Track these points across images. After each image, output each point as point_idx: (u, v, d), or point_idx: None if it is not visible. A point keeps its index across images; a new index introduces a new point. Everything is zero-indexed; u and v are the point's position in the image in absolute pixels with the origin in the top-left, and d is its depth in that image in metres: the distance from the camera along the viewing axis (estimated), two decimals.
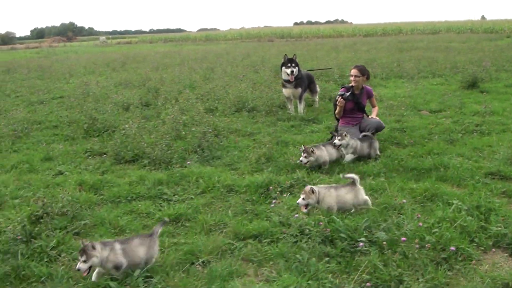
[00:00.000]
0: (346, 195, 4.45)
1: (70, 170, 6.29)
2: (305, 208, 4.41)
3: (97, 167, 6.36)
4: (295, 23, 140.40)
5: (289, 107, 9.17)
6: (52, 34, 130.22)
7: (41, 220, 4.45)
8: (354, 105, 6.94)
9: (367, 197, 4.55)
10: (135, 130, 7.11)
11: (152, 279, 3.48)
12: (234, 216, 4.62)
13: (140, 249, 3.58)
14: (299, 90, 8.92)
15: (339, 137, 6.04)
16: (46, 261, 3.88)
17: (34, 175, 6.17)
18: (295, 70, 8.72)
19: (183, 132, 7.50)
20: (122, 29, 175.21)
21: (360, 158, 6.23)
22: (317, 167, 5.85)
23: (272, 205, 4.71)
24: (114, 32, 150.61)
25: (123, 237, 4.07)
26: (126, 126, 7.16)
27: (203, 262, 3.78)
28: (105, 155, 6.88)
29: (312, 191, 4.33)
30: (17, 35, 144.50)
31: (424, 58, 17.79)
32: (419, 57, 18.09)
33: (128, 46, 52.51)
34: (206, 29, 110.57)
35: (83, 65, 22.82)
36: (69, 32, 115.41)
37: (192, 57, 24.39)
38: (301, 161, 5.68)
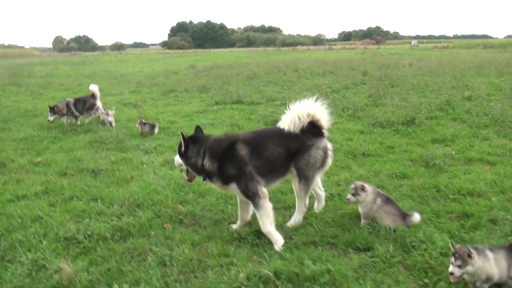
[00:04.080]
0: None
1: None
2: (456, 279, 3.19)
3: None
4: None
5: None
6: (359, 37, 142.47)
7: None
8: None
9: None
10: None
11: None
12: None
13: None
14: None
15: None
16: None
17: None
18: None
19: None
20: (426, 34, 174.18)
21: None
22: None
23: None
24: (417, 37, 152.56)
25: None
26: None
27: None
28: None
29: (469, 255, 3.11)
30: (326, 37, 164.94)
31: None
32: None
33: (448, 50, 53.20)
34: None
35: (472, 64, 23.38)
36: (378, 35, 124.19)
37: None
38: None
